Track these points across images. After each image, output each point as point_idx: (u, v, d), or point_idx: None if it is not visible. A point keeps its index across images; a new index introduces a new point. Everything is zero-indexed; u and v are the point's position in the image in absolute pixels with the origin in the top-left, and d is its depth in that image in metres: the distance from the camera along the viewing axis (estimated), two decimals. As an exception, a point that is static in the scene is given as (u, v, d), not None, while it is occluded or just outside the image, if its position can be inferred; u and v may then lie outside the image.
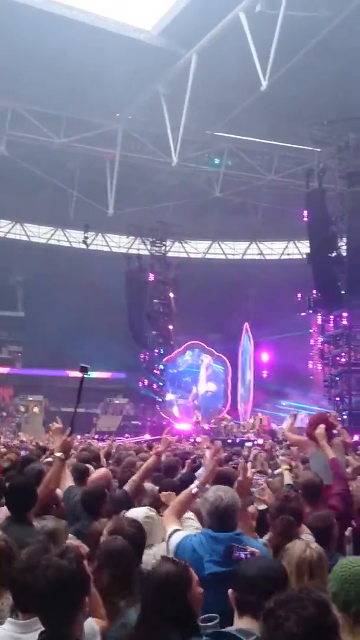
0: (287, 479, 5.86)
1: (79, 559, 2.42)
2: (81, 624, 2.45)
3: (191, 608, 2.61)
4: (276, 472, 6.47)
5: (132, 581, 2.98)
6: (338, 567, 2.67)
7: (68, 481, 5.31)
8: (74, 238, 41.51)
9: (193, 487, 4.03)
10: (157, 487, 5.44)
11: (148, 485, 5.51)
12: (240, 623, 2.46)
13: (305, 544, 3.50)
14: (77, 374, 6.64)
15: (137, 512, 4.22)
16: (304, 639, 1.64)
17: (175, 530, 3.79)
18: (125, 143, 32.03)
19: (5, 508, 4.56)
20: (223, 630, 2.39)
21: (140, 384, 33.71)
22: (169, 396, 32.75)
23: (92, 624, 2.85)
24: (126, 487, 5.18)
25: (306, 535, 4.35)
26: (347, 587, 2.49)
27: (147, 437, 23.03)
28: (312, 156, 28.01)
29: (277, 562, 2.77)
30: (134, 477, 5.30)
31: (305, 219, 25.55)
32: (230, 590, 2.65)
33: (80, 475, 5.95)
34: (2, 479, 5.29)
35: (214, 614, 2.63)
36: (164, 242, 34.71)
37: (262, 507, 4.94)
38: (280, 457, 6.97)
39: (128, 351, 34.18)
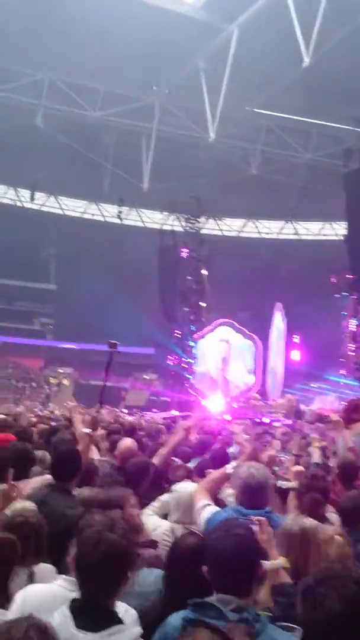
0: (316, 457, 5.85)
1: (126, 533, 2.49)
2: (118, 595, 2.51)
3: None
4: (309, 449, 6.47)
5: None
6: None
7: (94, 454, 5.38)
8: (107, 212, 41.58)
9: (228, 467, 4.04)
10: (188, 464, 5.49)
11: (177, 460, 5.56)
12: (220, 595, 2.44)
13: (293, 519, 3.51)
14: (106, 347, 6.72)
15: (188, 486, 4.28)
16: (345, 617, 1.60)
17: (206, 505, 3.82)
18: (162, 117, 31.76)
19: (33, 480, 4.58)
20: (204, 600, 2.38)
21: (170, 360, 33.76)
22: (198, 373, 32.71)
23: None
24: (155, 460, 5.24)
25: (330, 513, 4.36)
26: None
27: (175, 412, 23.07)
28: (352, 136, 27.48)
29: (249, 534, 2.66)
30: (162, 451, 5.35)
31: (344, 200, 25.16)
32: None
33: (112, 447, 6.06)
34: (32, 449, 5.28)
35: None
36: (198, 219, 34.50)
37: (287, 484, 4.92)
38: (312, 435, 6.96)
39: (158, 326, 34.25)
